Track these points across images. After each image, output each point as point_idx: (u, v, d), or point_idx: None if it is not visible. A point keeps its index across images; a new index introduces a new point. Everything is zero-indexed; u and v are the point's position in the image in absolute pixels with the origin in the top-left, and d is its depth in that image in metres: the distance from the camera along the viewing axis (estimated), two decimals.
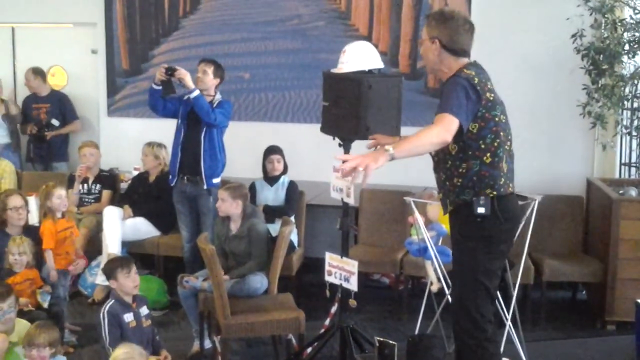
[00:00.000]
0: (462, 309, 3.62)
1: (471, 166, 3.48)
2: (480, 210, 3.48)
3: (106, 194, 6.80)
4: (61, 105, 7.81)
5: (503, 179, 3.52)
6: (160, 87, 5.68)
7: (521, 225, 4.79)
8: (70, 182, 6.83)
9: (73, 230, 5.61)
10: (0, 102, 7.71)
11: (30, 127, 7.66)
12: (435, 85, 6.84)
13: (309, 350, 4.82)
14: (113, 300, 4.50)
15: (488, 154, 3.48)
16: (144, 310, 4.60)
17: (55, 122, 7.68)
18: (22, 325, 4.68)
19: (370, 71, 4.41)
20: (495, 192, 3.50)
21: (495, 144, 3.49)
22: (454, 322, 3.70)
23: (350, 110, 4.29)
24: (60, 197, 5.48)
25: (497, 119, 3.49)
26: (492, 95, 3.50)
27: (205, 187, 5.76)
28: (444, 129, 3.30)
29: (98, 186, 6.82)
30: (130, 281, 4.51)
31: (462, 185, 3.51)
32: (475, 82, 3.43)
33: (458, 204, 3.56)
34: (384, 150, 3.22)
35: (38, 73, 7.80)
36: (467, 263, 3.58)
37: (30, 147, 7.75)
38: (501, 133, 3.51)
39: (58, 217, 5.46)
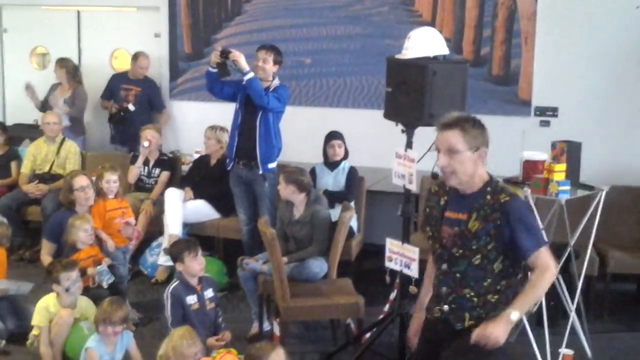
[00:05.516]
0: None
1: (511, 284, 3.20)
2: None
3: (164, 174, 6.86)
4: (151, 92, 7.74)
5: None
6: (216, 70, 5.70)
7: (587, 217, 4.75)
8: (133, 161, 6.95)
9: (125, 210, 5.73)
10: (70, 85, 7.73)
11: (111, 104, 7.62)
12: (500, 72, 6.74)
13: (367, 335, 4.83)
14: (177, 282, 4.56)
15: (518, 270, 3.25)
16: (209, 293, 4.63)
17: (131, 106, 7.53)
18: (84, 301, 4.83)
19: (435, 57, 4.36)
20: None
21: None
22: None
23: (414, 97, 4.25)
24: (109, 181, 5.64)
25: None
26: None
27: (260, 172, 5.78)
28: (552, 270, 3.10)
29: (157, 170, 6.90)
30: (197, 263, 4.55)
31: (498, 302, 3.17)
32: None
33: (481, 320, 3.12)
34: (507, 318, 3.00)
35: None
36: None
37: (111, 128, 7.74)
38: None
39: (110, 198, 5.61)
